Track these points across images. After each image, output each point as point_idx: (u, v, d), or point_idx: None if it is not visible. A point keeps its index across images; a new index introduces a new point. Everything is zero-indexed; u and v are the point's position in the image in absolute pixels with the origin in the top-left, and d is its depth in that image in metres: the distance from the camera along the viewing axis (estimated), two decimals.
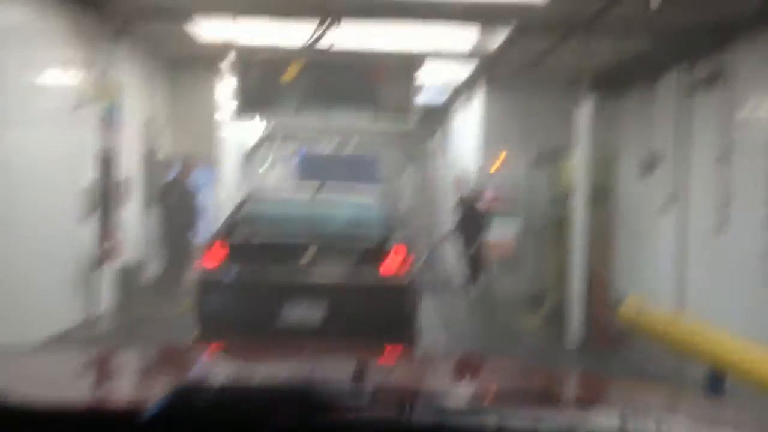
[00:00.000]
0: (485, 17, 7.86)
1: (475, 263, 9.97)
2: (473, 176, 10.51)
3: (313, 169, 20.44)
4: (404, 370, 1.71)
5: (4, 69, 6.08)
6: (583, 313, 7.96)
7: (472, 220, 9.95)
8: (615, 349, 7.61)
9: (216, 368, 1.67)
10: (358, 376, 1.11)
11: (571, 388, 1.55)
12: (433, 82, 11.82)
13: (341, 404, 0.91)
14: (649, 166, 9.28)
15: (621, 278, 10.41)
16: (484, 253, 10.00)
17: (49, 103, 7.01)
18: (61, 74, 7.35)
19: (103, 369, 1.65)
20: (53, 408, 0.95)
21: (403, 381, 1.50)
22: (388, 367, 1.69)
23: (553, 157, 11.22)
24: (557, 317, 8.42)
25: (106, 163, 8.35)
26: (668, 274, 8.45)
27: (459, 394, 1.04)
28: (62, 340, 6.93)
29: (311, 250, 6.15)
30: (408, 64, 10.10)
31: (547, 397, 1.00)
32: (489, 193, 10.79)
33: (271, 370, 1.54)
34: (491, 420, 0.88)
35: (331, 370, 1.46)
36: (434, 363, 1.94)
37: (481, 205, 10.13)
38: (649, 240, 9.32)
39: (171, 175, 10.17)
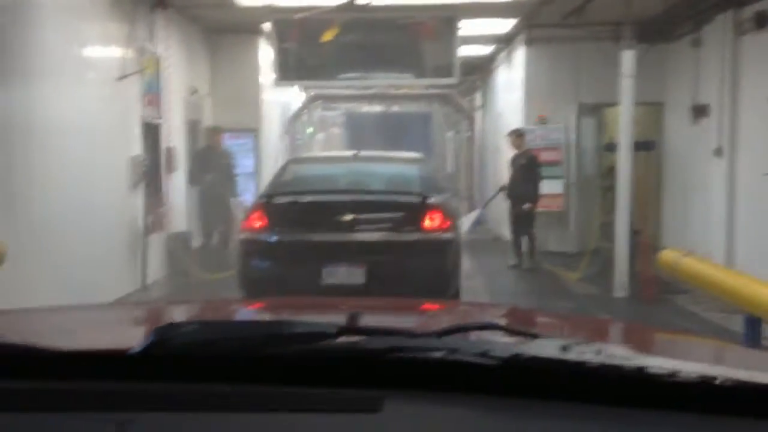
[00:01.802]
0: None
1: (527, 216, 9.82)
2: (522, 130, 10.32)
3: (359, 131, 20.47)
4: (404, 314, 1.76)
5: (51, 43, 6.26)
6: (629, 265, 7.88)
7: (526, 173, 9.75)
8: (662, 301, 7.53)
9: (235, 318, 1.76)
10: (352, 319, 1.16)
11: (549, 326, 1.58)
12: (475, 35, 11.64)
13: (305, 337, 0.97)
14: (698, 113, 9.03)
15: (669, 229, 10.23)
16: (535, 207, 9.85)
17: (94, 75, 7.19)
18: (104, 47, 7.52)
19: (136, 321, 1.76)
20: (52, 351, 1.04)
21: (389, 321, 1.56)
22: (394, 313, 1.75)
23: (599, 107, 11.01)
24: (605, 269, 8.36)
25: (152, 133, 8.55)
26: (718, 224, 8.27)
27: (427, 328, 1.10)
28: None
29: (353, 210, 6.23)
30: (449, 17, 9.96)
31: (514, 331, 1.04)
32: (538, 146, 10.61)
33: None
34: (441, 347, 0.93)
35: (333, 317, 1.53)
36: (441, 310, 1.99)
37: (534, 159, 9.90)
38: (698, 189, 9.12)
39: (201, 145, 10.31)
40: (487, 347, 0.90)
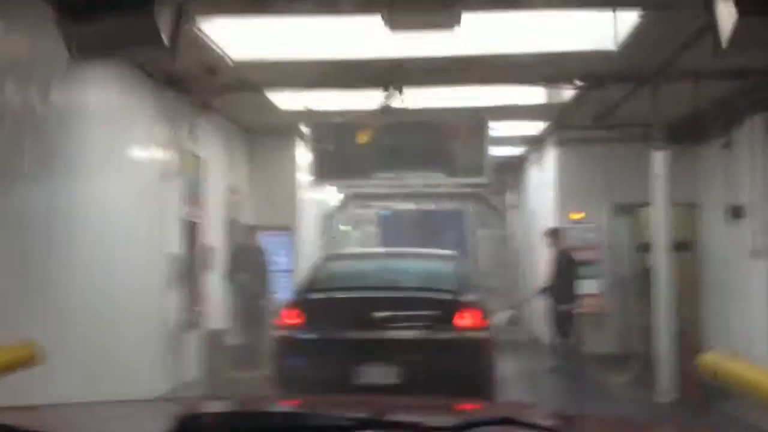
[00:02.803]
0: (555, 69, 7.88)
1: (567, 317, 9.66)
2: (557, 229, 10.32)
3: (394, 229, 20.61)
4: (429, 412, 1.74)
5: (95, 142, 6.53)
6: (671, 368, 7.64)
7: (563, 272, 9.67)
8: (708, 405, 7.22)
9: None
10: (373, 414, 1.17)
11: (573, 423, 1.54)
12: (506, 136, 11.86)
13: (322, 430, 0.98)
14: (734, 214, 8.96)
15: (712, 331, 9.95)
16: (576, 307, 9.69)
17: (137, 173, 7.46)
18: (147, 147, 7.83)
19: (166, 415, 1.77)
20: None
21: (413, 418, 1.54)
22: (420, 411, 1.73)
23: (632, 208, 10.99)
24: (647, 372, 8.10)
25: (191, 231, 8.73)
26: (760, 326, 8.04)
27: (446, 424, 1.09)
28: None
29: (387, 308, 6.23)
30: (480, 119, 10.21)
31: (532, 426, 1.03)
32: (573, 246, 10.56)
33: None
34: None
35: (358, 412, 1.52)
36: (467, 408, 1.96)
37: (571, 258, 9.83)
38: (737, 290, 8.93)
39: (237, 243, 10.44)
40: None
